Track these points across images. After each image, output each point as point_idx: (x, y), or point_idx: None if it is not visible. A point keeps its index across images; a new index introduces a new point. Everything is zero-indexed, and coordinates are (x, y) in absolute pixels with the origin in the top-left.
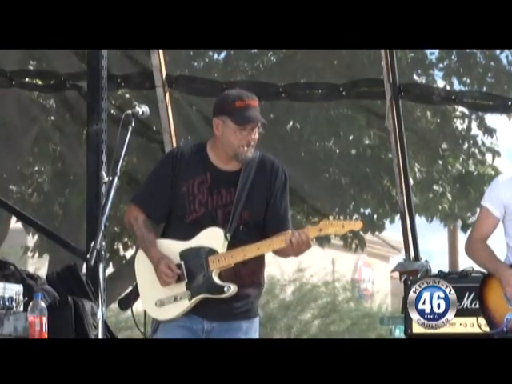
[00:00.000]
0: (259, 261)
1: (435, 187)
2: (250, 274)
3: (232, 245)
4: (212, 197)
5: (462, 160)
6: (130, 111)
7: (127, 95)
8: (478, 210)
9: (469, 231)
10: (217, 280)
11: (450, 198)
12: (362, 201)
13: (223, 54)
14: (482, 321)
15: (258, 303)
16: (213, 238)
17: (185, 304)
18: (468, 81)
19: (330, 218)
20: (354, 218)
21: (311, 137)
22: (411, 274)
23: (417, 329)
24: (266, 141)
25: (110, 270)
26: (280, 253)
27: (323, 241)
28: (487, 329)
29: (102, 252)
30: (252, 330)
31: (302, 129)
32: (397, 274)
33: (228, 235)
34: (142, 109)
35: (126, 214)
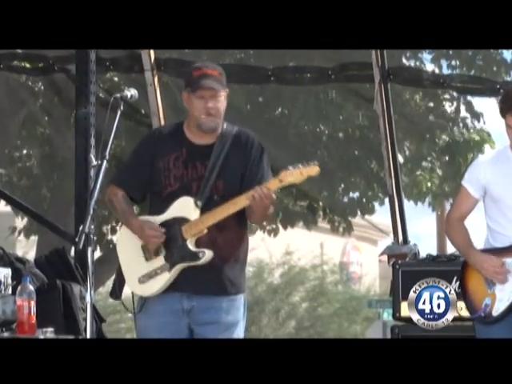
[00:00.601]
0: (238, 232)
1: (424, 164)
2: (227, 243)
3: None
4: (187, 170)
5: (449, 130)
6: (118, 94)
7: (116, 78)
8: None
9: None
10: (191, 247)
11: (440, 173)
12: (350, 184)
13: None
14: (461, 305)
15: (241, 281)
16: (184, 207)
17: (165, 276)
18: (457, 63)
19: (290, 167)
20: (344, 199)
21: (299, 121)
22: (399, 257)
23: (405, 312)
24: (255, 124)
25: (98, 253)
26: (251, 215)
27: (310, 224)
28: (467, 313)
29: (91, 235)
30: (234, 308)
31: (290, 113)
32: (385, 258)
33: (199, 203)
34: (131, 92)
35: (107, 194)
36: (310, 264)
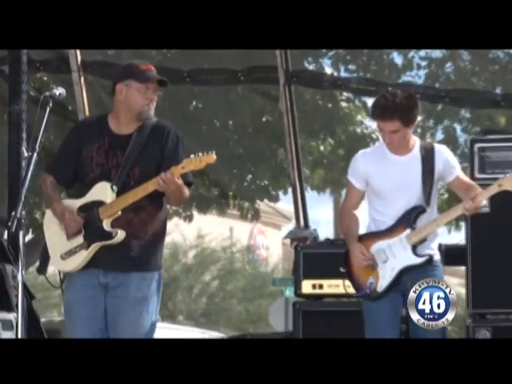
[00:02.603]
0: (152, 214)
1: (324, 157)
2: (142, 223)
3: None
4: (108, 158)
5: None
6: (48, 93)
7: (45, 78)
8: None
9: None
10: (106, 227)
11: (338, 166)
12: (258, 174)
13: None
14: (348, 283)
15: (155, 258)
16: (101, 191)
17: (83, 254)
18: (354, 68)
19: (191, 156)
20: (251, 187)
21: (212, 116)
22: (301, 240)
23: (306, 289)
24: (172, 119)
25: (30, 236)
26: (167, 199)
27: (222, 210)
28: (353, 290)
29: (22, 220)
30: (144, 285)
31: (203, 108)
32: (288, 241)
33: (114, 187)
34: (59, 91)
35: (41, 182)
36: (220, 246)
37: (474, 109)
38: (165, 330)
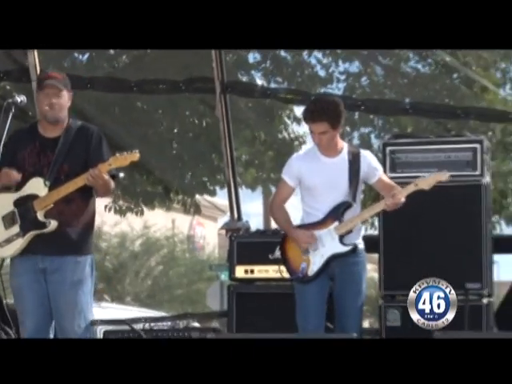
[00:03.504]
0: (81, 205)
1: (256, 158)
2: (72, 213)
3: None
4: (40, 158)
5: (275, 132)
6: (10, 100)
7: (8, 87)
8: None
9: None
10: (40, 217)
11: (268, 166)
12: (198, 172)
13: (86, 55)
14: (283, 268)
15: (87, 244)
16: (35, 186)
17: (20, 242)
18: (281, 79)
19: (117, 154)
20: (192, 184)
21: (157, 121)
22: (235, 231)
23: (239, 274)
24: (122, 123)
25: None
26: (96, 192)
27: (165, 204)
28: (287, 275)
29: None
30: (79, 269)
31: (150, 114)
32: (223, 231)
33: (47, 182)
34: (21, 98)
35: None
36: (163, 236)
37: (385, 116)
38: (114, 310)
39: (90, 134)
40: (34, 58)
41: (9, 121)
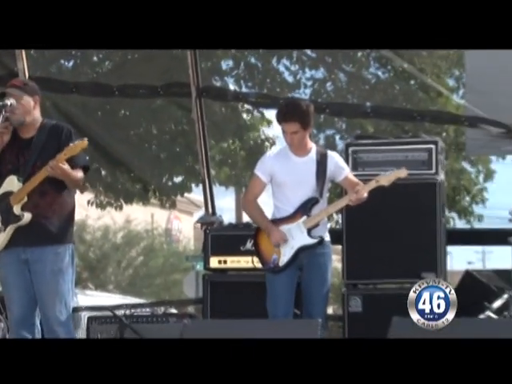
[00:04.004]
0: (56, 197)
1: (229, 158)
2: (47, 205)
3: None
4: (18, 158)
5: (247, 134)
6: (1, 103)
7: None
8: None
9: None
10: (16, 211)
11: (240, 165)
12: (175, 171)
13: (72, 62)
14: (256, 259)
15: (65, 234)
16: (10, 183)
17: (2, 235)
18: (251, 85)
19: (71, 144)
20: (168, 183)
21: (137, 124)
22: (209, 224)
23: (213, 264)
24: (104, 126)
25: None
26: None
27: (144, 201)
28: (259, 265)
29: None
30: (58, 259)
31: (130, 117)
32: (199, 225)
33: (20, 179)
34: (10, 101)
35: None
36: (143, 229)
37: (348, 119)
38: (97, 298)
39: (61, 132)
40: (23, 63)
41: (0, 120)
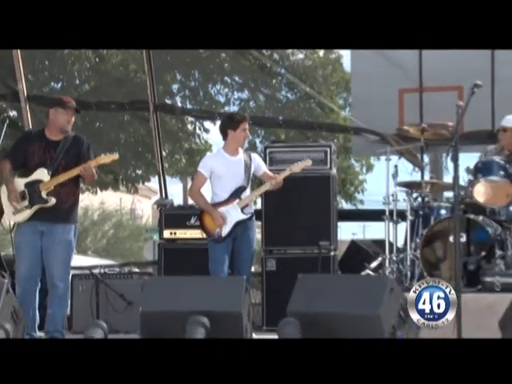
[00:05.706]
0: (72, 188)
1: (176, 156)
2: (66, 193)
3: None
4: (45, 154)
5: (190, 140)
6: (5, 114)
7: (4, 105)
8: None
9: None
10: (44, 196)
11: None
12: (137, 166)
13: (60, 84)
14: (203, 233)
15: (73, 216)
16: (41, 174)
17: (28, 211)
18: (194, 102)
19: (102, 154)
20: (133, 174)
21: (109, 132)
22: (163, 206)
23: (166, 235)
24: (84, 133)
25: None
26: (84, 180)
27: (115, 188)
28: (205, 235)
29: None
30: (66, 232)
31: (103, 127)
32: (155, 206)
33: (49, 172)
34: (13, 113)
35: (0, 164)
36: (114, 209)
37: (266, 128)
38: (79, 260)
39: (82, 142)
40: (23, 85)
41: (4, 129)
